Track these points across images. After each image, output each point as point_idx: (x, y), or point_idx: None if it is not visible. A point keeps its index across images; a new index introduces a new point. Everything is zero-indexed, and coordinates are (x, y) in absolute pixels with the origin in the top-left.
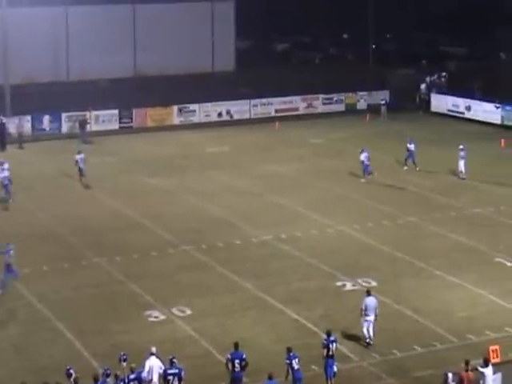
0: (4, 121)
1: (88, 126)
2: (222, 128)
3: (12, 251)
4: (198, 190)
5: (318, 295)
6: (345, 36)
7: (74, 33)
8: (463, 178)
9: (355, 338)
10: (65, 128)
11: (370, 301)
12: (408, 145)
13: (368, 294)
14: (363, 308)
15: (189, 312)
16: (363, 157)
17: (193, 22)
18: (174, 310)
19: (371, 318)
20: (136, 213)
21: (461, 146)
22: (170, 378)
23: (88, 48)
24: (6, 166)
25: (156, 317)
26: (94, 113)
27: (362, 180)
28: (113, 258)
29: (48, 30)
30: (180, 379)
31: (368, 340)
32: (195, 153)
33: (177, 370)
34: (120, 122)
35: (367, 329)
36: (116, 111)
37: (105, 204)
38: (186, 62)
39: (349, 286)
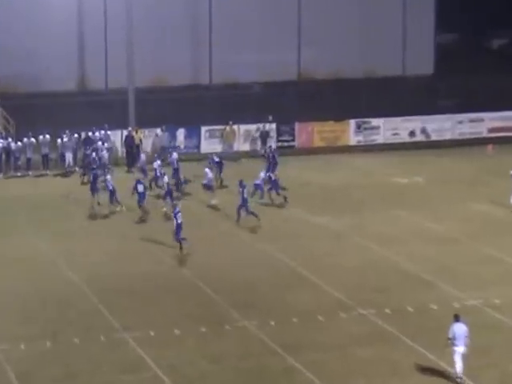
0: (132, 133)
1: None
2: (414, 152)
3: None
4: (380, 234)
5: None
6: None
7: (219, 24)
8: None
9: None
10: (205, 146)
11: (459, 328)
12: None
13: (456, 319)
14: (451, 337)
15: None
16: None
17: (376, 10)
18: None
19: (461, 348)
20: (296, 262)
21: None
22: None
23: (236, 44)
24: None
25: None
26: (244, 127)
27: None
28: (265, 321)
29: (185, 22)
30: None
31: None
32: (377, 184)
33: None
34: (278, 140)
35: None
36: (273, 126)
37: (255, 249)
38: (367, 62)
39: None
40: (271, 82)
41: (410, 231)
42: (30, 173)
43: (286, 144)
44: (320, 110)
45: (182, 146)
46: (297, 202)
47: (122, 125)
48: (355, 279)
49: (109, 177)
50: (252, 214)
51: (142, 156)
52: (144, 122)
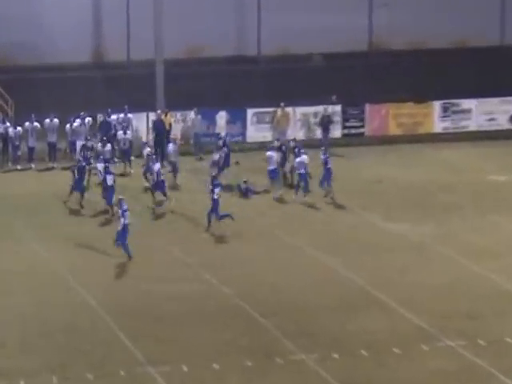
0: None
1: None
2: None
3: None
4: (471, 245)
5: None
6: None
7: None
8: None
9: None
10: (252, 133)
11: None
12: None
13: None
14: None
15: None
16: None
17: None
18: None
19: None
20: (365, 280)
21: None
22: None
23: (291, 5)
24: None
25: None
26: (300, 110)
27: None
28: (327, 354)
29: None
30: None
31: None
32: (468, 182)
33: None
34: (344, 127)
35: None
36: (337, 108)
37: (313, 262)
38: (455, 28)
39: None
40: (335, 53)
41: (510, 242)
42: (33, 165)
43: (353, 131)
44: (396, 89)
45: (223, 134)
46: (367, 204)
47: (147, 106)
48: (440, 302)
49: (98, 165)
50: (221, 218)
51: (170, 146)
52: (174, 103)
